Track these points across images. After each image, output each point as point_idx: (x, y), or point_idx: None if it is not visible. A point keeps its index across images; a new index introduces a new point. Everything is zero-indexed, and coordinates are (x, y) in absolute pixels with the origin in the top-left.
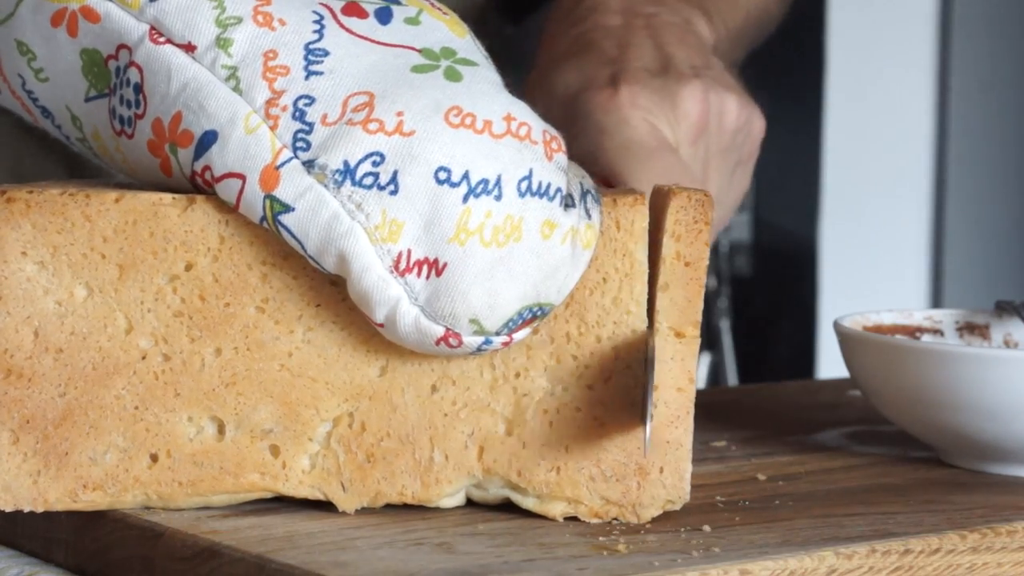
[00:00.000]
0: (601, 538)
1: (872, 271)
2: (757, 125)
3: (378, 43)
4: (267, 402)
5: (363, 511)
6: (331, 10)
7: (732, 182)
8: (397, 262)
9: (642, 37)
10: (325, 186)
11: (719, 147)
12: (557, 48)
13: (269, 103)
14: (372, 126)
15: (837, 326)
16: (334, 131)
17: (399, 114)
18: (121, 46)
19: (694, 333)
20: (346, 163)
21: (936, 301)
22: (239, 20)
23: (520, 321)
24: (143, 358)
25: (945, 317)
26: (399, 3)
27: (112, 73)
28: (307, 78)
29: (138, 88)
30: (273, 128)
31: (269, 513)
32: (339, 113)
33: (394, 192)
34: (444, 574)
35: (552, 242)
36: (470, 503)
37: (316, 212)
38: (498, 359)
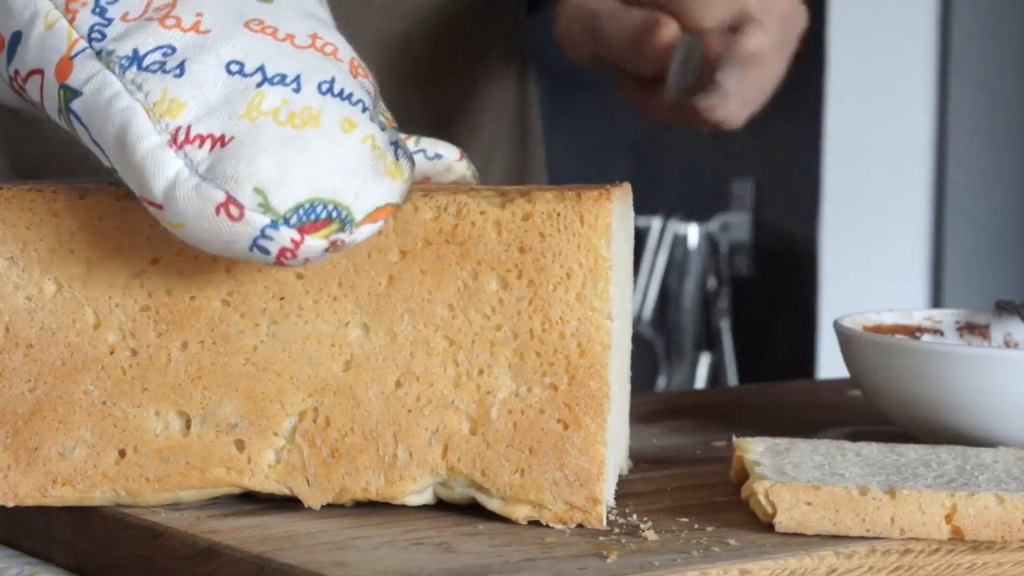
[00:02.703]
0: (601, 538)
1: (872, 271)
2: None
3: None
4: (232, 396)
5: (364, 510)
6: None
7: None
8: (175, 135)
9: None
10: (112, 71)
11: (789, 38)
12: None
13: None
14: (169, 22)
15: (837, 326)
16: (132, 26)
17: (198, 14)
18: None
19: None
20: (135, 51)
21: (936, 301)
22: None
23: (312, 216)
24: (111, 353)
25: (945, 317)
26: None
27: None
28: None
29: None
30: (71, 22)
31: (269, 513)
32: (140, 11)
33: (179, 75)
34: (444, 574)
35: (352, 137)
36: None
37: (100, 93)
38: (461, 355)
